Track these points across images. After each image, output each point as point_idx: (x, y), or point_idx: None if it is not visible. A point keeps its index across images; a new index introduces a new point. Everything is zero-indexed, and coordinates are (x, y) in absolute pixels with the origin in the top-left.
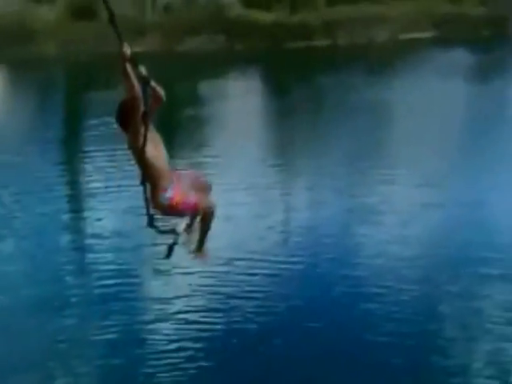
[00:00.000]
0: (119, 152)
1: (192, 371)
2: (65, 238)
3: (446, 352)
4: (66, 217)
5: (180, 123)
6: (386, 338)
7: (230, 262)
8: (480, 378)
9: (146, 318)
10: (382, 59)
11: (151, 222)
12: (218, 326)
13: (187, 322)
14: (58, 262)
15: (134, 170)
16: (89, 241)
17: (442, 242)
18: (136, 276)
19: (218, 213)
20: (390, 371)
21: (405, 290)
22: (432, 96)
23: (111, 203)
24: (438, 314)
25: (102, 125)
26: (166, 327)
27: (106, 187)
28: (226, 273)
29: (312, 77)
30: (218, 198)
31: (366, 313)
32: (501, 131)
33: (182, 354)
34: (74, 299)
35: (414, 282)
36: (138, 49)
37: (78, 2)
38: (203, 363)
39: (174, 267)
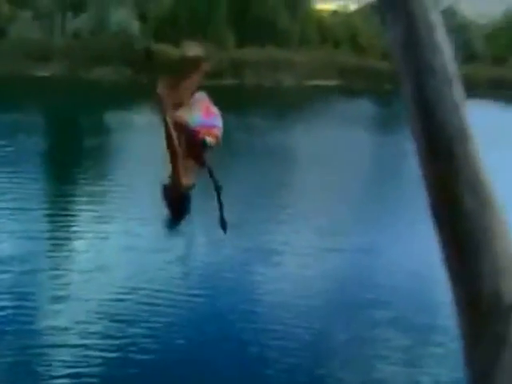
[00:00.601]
0: (16, 175)
1: None
2: None
3: None
4: None
5: (83, 153)
6: (281, 373)
7: (132, 291)
8: None
9: (40, 343)
10: (288, 104)
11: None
12: (114, 354)
13: (83, 348)
14: None
15: (29, 192)
16: None
17: (337, 285)
18: (32, 300)
19: (120, 243)
20: None
21: (302, 328)
22: (335, 144)
23: (7, 226)
24: (330, 354)
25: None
26: (61, 353)
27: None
28: (125, 301)
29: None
30: (118, 229)
31: (264, 348)
32: (397, 182)
33: (75, 380)
34: None
35: (310, 321)
36: (43, 73)
37: None
38: None
39: (70, 294)
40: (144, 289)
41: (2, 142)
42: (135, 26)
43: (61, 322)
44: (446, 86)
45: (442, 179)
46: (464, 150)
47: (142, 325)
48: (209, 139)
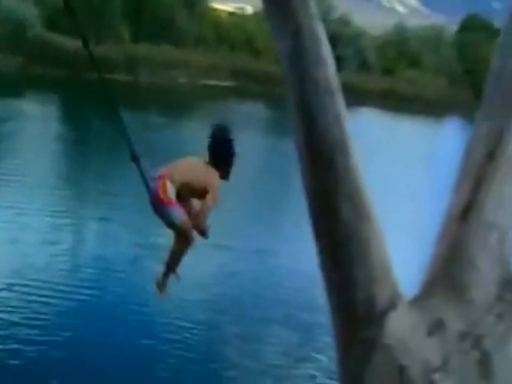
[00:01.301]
0: None
1: None
2: None
3: None
4: None
5: None
6: (167, 374)
7: (9, 287)
8: None
9: None
10: (182, 102)
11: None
12: None
13: None
14: None
15: None
16: None
17: (228, 285)
18: None
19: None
20: None
21: (188, 329)
22: None
23: None
24: (219, 354)
25: None
26: None
27: None
28: (6, 298)
29: (109, 111)
30: (4, 220)
31: (148, 348)
32: (287, 184)
33: None
34: None
35: (198, 322)
36: None
37: None
38: None
39: None
40: (33, 280)
41: None
42: (29, 12)
43: None
44: (328, 97)
45: (322, 189)
46: (344, 161)
47: (27, 316)
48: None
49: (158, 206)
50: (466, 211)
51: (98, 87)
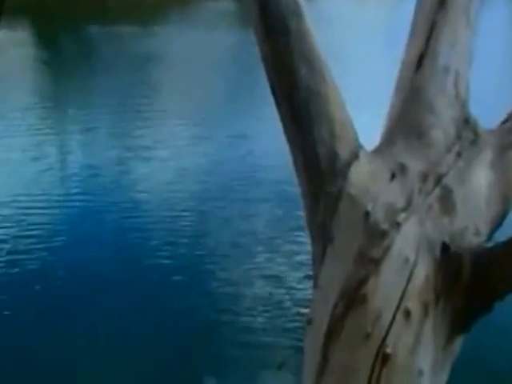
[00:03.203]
0: None
1: None
2: None
3: None
4: None
5: None
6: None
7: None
8: None
9: None
10: (151, 7)
11: None
12: None
13: None
14: None
15: None
16: None
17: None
18: None
19: None
20: None
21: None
22: (200, 45)
23: None
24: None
25: None
26: None
27: None
28: None
29: (79, 27)
30: None
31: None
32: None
33: None
34: None
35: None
36: None
37: None
38: None
39: None
40: None
41: None
42: None
43: None
44: None
45: (279, 54)
46: (298, 25)
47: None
48: None
49: None
50: (421, 58)
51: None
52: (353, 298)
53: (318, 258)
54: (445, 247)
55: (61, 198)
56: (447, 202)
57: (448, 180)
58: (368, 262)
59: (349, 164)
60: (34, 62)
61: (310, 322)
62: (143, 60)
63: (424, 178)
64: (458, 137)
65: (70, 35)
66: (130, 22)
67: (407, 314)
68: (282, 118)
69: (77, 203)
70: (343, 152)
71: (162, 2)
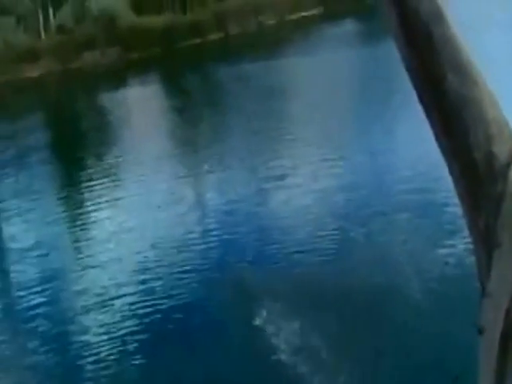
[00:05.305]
0: None
1: None
2: None
3: None
4: None
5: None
6: None
7: None
8: None
9: None
10: (273, 42)
11: None
12: None
13: None
14: None
15: None
16: None
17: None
18: None
19: None
20: None
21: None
22: (326, 67)
23: None
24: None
25: None
26: None
27: None
28: None
29: (207, 71)
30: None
31: None
32: (392, 88)
33: None
34: None
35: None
36: (34, 74)
37: None
38: None
39: None
40: None
41: None
42: (117, 3)
43: None
44: None
45: (424, 63)
46: (441, 31)
47: None
48: None
49: None
50: None
51: (190, 53)
52: None
53: (484, 265)
54: None
55: (215, 233)
56: None
57: None
58: None
59: (508, 164)
60: (168, 110)
61: (481, 331)
62: (276, 92)
63: None
64: None
65: (198, 79)
66: (253, 58)
67: None
68: (433, 127)
69: (228, 236)
70: (501, 152)
71: (283, 34)
